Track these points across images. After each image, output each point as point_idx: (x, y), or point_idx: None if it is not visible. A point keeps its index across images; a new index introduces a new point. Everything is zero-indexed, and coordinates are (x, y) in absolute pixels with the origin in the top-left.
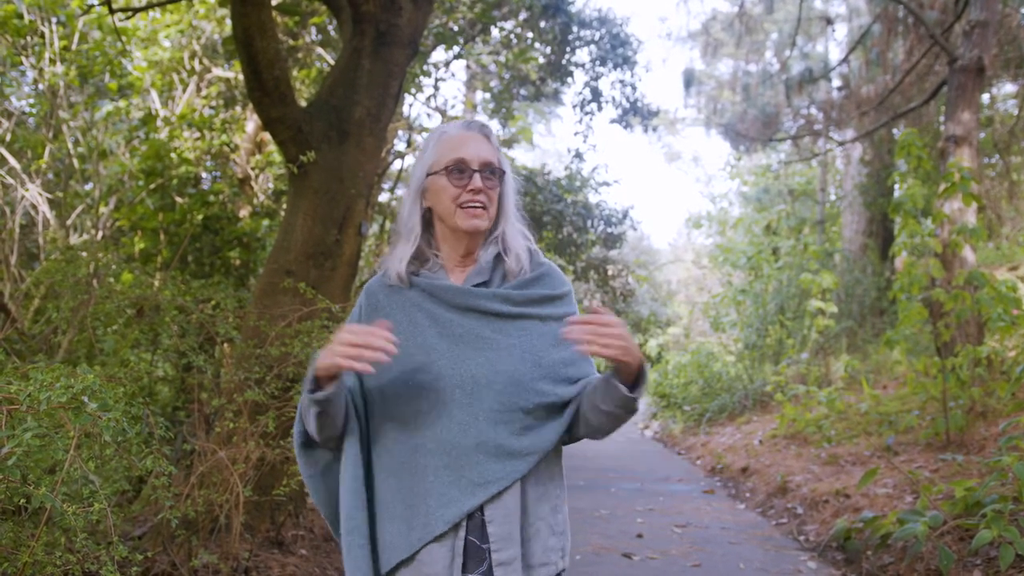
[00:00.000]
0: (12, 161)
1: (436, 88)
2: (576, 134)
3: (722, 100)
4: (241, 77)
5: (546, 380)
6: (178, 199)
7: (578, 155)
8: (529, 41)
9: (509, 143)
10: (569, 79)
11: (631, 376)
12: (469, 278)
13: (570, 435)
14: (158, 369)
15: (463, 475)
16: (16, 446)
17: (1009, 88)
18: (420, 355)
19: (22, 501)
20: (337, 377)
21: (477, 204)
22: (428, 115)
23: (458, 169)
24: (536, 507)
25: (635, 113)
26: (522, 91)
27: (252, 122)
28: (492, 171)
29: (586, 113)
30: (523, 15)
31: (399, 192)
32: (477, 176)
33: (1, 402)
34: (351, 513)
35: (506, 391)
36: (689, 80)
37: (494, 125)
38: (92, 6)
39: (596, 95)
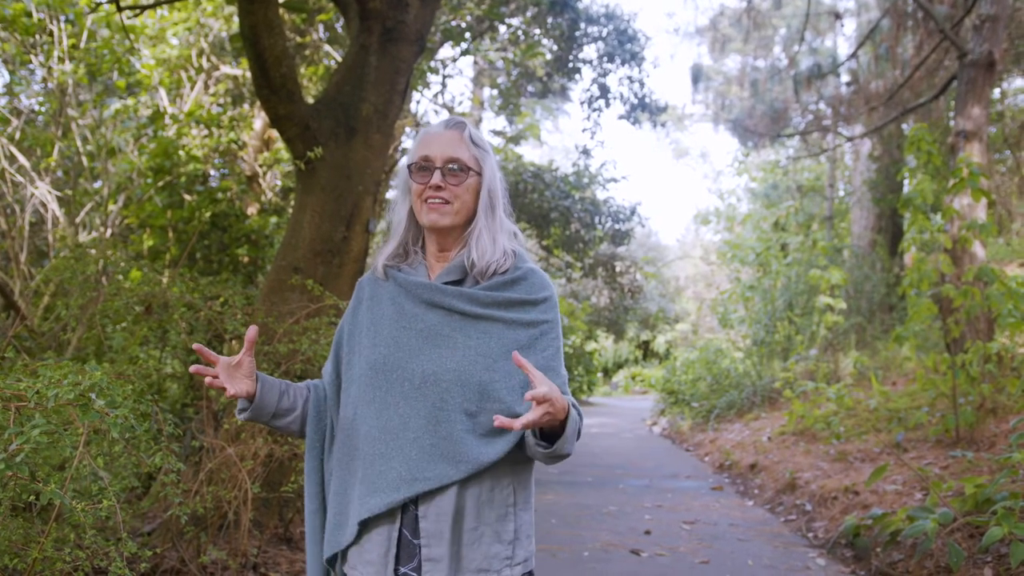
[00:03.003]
0: (22, 159)
1: (443, 85)
2: (584, 130)
3: (730, 96)
4: (249, 74)
5: (497, 385)
6: (186, 196)
7: (586, 151)
8: (536, 37)
9: (516, 139)
10: (577, 75)
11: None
12: (441, 275)
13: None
14: (167, 366)
15: (392, 467)
16: (24, 443)
17: (1020, 83)
18: (382, 347)
19: (31, 498)
20: (253, 397)
21: (437, 200)
22: (436, 111)
23: (422, 166)
24: (479, 512)
25: (643, 109)
26: (529, 87)
27: (260, 119)
28: (459, 167)
29: (594, 109)
30: (530, 11)
31: None
32: (438, 172)
33: (10, 399)
34: (308, 497)
35: (451, 390)
36: (697, 76)
37: (500, 122)
38: (100, 4)
39: (604, 91)
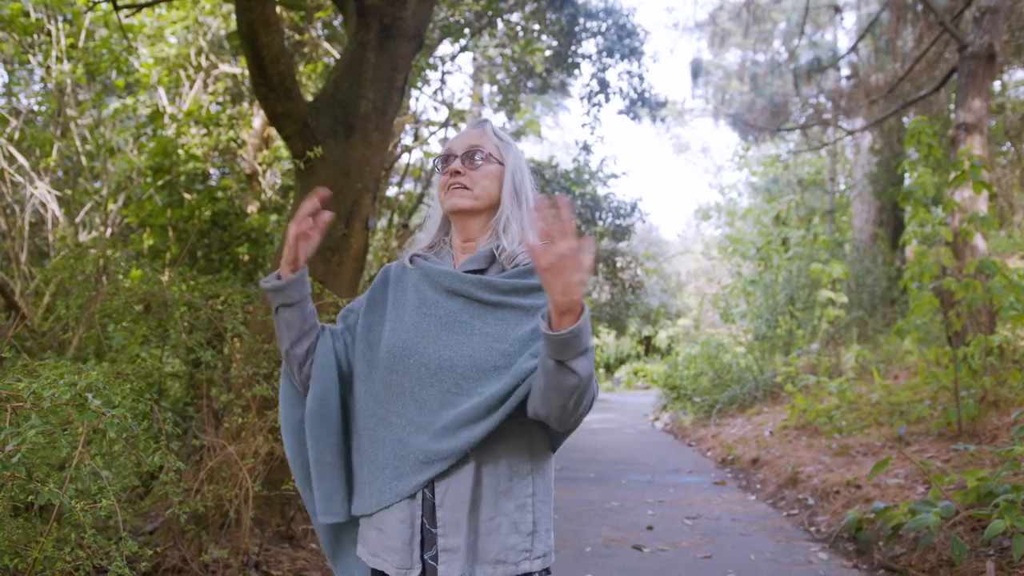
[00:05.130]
0: (21, 159)
1: (442, 82)
2: (583, 126)
3: (730, 90)
4: (247, 72)
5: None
6: (186, 195)
7: (586, 147)
8: (535, 33)
9: (516, 135)
10: (576, 71)
11: (563, 319)
12: (465, 263)
13: (547, 431)
14: (167, 365)
15: (410, 452)
16: (21, 443)
17: (1020, 75)
18: (402, 333)
19: (30, 498)
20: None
21: (455, 184)
22: (435, 108)
23: (445, 159)
24: (496, 501)
25: (643, 104)
26: (529, 83)
27: (259, 117)
28: (479, 156)
29: (593, 105)
30: (529, 7)
31: (407, 186)
32: (457, 160)
33: (6, 400)
34: (322, 442)
35: (467, 375)
36: (697, 70)
37: (500, 118)
38: (98, 3)
39: (603, 86)
